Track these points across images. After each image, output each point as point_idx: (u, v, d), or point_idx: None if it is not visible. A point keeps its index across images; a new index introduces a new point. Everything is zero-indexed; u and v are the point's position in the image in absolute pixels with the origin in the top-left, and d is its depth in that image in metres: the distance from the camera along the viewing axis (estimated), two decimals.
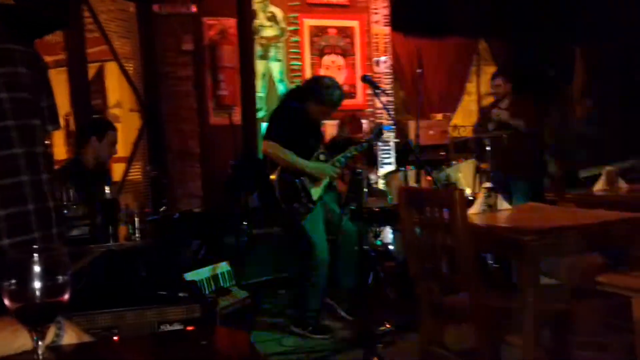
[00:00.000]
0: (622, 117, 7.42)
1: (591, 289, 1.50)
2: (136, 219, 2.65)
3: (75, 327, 1.15)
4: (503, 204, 2.94)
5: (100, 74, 6.87)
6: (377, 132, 4.16)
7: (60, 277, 0.85)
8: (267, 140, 3.69)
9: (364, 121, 6.29)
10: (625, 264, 2.70)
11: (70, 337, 1.09)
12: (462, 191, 2.41)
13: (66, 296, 0.86)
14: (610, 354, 3.01)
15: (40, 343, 0.86)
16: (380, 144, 5.34)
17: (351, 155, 3.94)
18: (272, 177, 3.67)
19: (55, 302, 0.85)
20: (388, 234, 5.72)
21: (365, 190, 4.18)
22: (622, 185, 3.91)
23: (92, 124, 3.79)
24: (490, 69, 7.85)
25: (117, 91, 6.89)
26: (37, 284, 0.83)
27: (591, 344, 3.24)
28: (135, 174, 5.51)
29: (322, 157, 3.87)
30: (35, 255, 0.84)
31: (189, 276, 3.36)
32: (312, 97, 3.78)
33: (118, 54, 5.25)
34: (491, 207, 2.89)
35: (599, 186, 3.89)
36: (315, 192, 3.76)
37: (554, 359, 2.68)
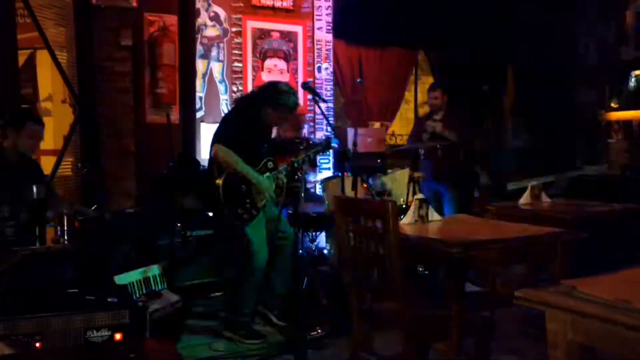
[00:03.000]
0: (549, 134, 7.83)
1: (512, 299, 1.58)
2: (65, 219, 2.56)
3: None
4: (434, 215, 3.04)
5: (30, 62, 6.59)
6: (325, 144, 4.15)
7: None
8: (218, 144, 3.63)
9: (303, 125, 6.33)
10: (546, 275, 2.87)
11: None
12: (394, 203, 2.48)
13: None
14: None
15: None
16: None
17: (297, 167, 3.93)
18: (218, 181, 3.63)
19: None
20: (323, 240, 5.78)
21: (302, 195, 4.20)
22: (545, 199, 4.13)
23: (10, 114, 3.57)
24: (428, 79, 8.08)
25: (48, 81, 6.62)
26: None
27: (511, 350, 3.41)
28: (66, 169, 5.32)
29: (270, 164, 3.86)
30: None
31: (120, 279, 3.30)
32: (268, 103, 3.76)
33: (50, 42, 5.04)
34: (422, 218, 2.99)
35: (524, 200, 4.09)
36: (260, 199, 3.75)
37: None
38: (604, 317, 1.35)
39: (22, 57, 5.50)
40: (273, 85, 3.86)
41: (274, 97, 3.75)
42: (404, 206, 4.57)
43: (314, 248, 5.67)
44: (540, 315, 1.54)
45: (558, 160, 7.62)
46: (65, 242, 2.42)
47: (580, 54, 7.34)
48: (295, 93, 3.86)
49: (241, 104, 3.89)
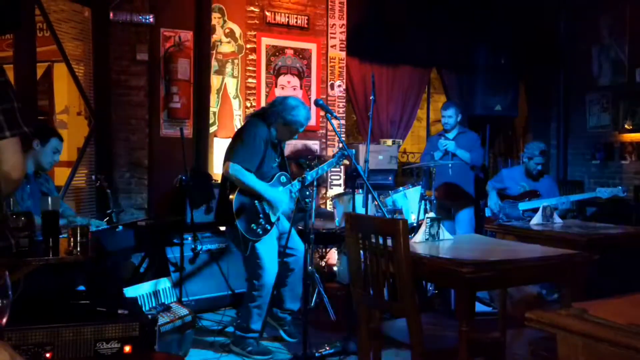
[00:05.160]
0: (561, 154, 7.80)
1: (523, 319, 1.57)
2: (78, 231, 2.58)
3: (9, 348, 1.13)
4: (445, 234, 3.04)
5: (48, 74, 6.70)
6: (340, 156, 4.16)
7: None
8: (230, 162, 3.66)
9: (315, 142, 6.36)
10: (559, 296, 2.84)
11: (3, 357, 1.07)
12: (405, 221, 2.48)
13: (4, 320, 0.86)
14: None
15: None
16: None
17: (309, 182, 3.94)
18: (231, 196, 3.65)
19: None
20: (334, 256, 5.77)
21: (313, 210, 4.21)
22: (557, 220, 4.11)
23: (35, 126, 3.66)
24: (440, 98, 8.11)
25: (65, 94, 6.72)
26: None
27: None
28: (80, 180, 5.37)
29: (282, 178, 3.88)
30: None
31: (130, 291, 3.31)
32: (278, 119, 3.78)
33: (68, 55, 5.13)
34: (433, 237, 2.99)
35: (535, 220, 4.07)
36: (274, 214, 3.77)
37: None
38: (616, 341, 1.34)
39: (39, 69, 5.59)
40: (283, 100, 3.87)
41: (283, 112, 3.77)
42: (414, 224, 4.56)
43: (323, 264, 5.67)
44: (551, 337, 1.53)
45: (570, 182, 7.59)
46: (78, 253, 2.44)
47: (594, 76, 7.32)
48: (305, 107, 3.87)
49: (252, 120, 3.90)
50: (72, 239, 2.47)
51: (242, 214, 3.65)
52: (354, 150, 4.72)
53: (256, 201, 3.69)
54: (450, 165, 5.18)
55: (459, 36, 7.09)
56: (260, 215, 3.70)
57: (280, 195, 3.77)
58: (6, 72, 1.86)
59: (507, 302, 3.29)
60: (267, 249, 3.73)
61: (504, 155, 8.47)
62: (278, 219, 3.83)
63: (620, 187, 4.58)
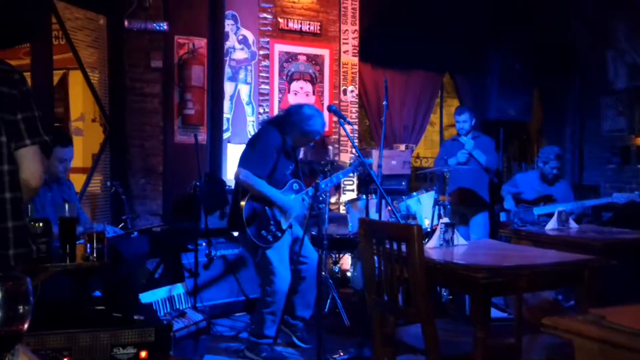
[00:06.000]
0: (577, 159, 7.74)
1: (539, 325, 1.56)
2: (94, 237, 2.60)
3: (29, 353, 1.15)
4: (459, 239, 3.02)
5: (63, 81, 6.78)
6: (357, 164, 4.15)
7: (21, 307, 0.86)
8: (241, 168, 3.67)
9: (328, 147, 6.37)
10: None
11: None
12: (419, 227, 2.47)
13: (26, 325, 0.87)
14: None
15: None
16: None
17: (324, 189, 3.94)
18: (242, 202, 3.66)
19: (14, 332, 0.85)
20: (347, 261, 5.77)
21: (326, 216, 4.21)
22: (573, 225, 4.07)
23: (53, 134, 3.64)
24: (453, 102, 8.09)
25: (80, 101, 6.80)
26: None
27: None
28: (95, 187, 5.43)
29: (295, 186, 3.88)
30: None
31: (145, 297, 3.33)
32: (294, 129, 3.76)
33: (83, 63, 5.20)
34: (448, 242, 2.97)
35: (551, 225, 4.04)
36: (285, 221, 3.77)
37: None
38: (634, 347, 1.33)
39: (55, 77, 5.67)
40: (299, 109, 3.84)
41: (301, 122, 3.75)
42: (428, 230, 4.54)
43: (337, 270, 5.66)
44: (567, 343, 1.52)
45: (586, 186, 7.52)
46: (94, 259, 2.47)
47: (609, 80, 7.27)
48: (321, 115, 3.86)
49: (266, 127, 3.90)
50: (88, 245, 2.50)
51: (253, 220, 3.66)
52: (371, 159, 4.71)
53: (267, 208, 3.70)
54: (464, 169, 5.15)
55: (472, 40, 7.07)
56: (271, 222, 3.70)
57: (291, 202, 3.77)
58: (27, 81, 1.90)
59: (523, 307, 3.27)
60: (278, 256, 3.72)
61: (518, 159, 8.43)
62: (290, 226, 3.83)
63: (637, 192, 4.53)
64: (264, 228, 3.68)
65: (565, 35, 7.59)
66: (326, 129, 6.38)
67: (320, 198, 4.00)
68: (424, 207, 4.92)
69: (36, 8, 4.59)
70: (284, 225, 3.75)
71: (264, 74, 6.11)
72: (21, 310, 0.86)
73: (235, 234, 4.13)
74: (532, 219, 4.70)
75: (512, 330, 3.11)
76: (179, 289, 3.73)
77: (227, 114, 5.90)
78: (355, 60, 6.54)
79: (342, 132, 6.36)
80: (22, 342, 1.12)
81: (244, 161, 3.71)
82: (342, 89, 6.49)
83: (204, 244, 4.53)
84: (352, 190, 6.45)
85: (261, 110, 6.07)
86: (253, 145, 3.78)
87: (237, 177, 3.69)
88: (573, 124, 7.77)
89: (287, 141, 3.78)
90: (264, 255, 3.69)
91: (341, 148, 6.52)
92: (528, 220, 4.58)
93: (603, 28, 7.27)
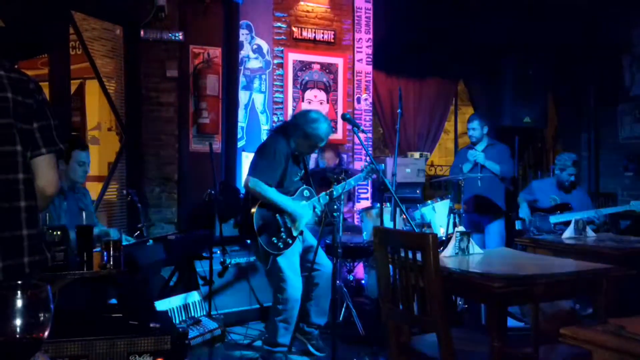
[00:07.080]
0: (593, 166, 7.66)
1: (557, 335, 1.54)
2: (111, 245, 2.63)
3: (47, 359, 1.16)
4: (475, 248, 3.00)
5: (80, 91, 6.86)
6: (368, 170, 4.14)
7: (41, 315, 0.87)
8: (251, 177, 3.68)
9: (342, 155, 6.37)
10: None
11: None
12: (435, 235, 2.46)
13: (46, 333, 0.88)
14: None
15: None
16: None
17: (336, 196, 3.94)
18: (252, 210, 3.67)
19: (35, 339, 0.86)
20: (361, 270, 5.75)
21: (341, 224, 4.21)
22: (590, 234, 4.03)
23: (68, 140, 3.67)
24: (468, 110, 8.06)
25: (96, 110, 6.88)
26: (18, 321, 0.85)
27: None
28: (111, 195, 5.48)
29: (306, 192, 3.89)
30: (18, 292, 0.86)
31: (160, 304, 3.35)
32: (297, 131, 3.78)
33: (100, 72, 5.27)
34: (463, 251, 2.96)
35: (567, 234, 4.00)
36: (296, 228, 3.77)
37: None
38: None
39: (72, 86, 5.74)
40: (305, 113, 3.86)
41: (304, 124, 3.76)
42: (443, 238, 4.52)
43: (351, 278, 5.64)
44: (585, 354, 1.50)
45: (603, 194, 7.44)
46: (111, 267, 2.49)
47: (626, 86, 7.20)
48: (327, 121, 3.84)
49: (273, 135, 3.92)
50: (105, 253, 2.52)
51: (263, 228, 3.66)
52: (382, 165, 4.70)
53: (277, 215, 3.70)
54: (479, 177, 5.13)
55: (486, 48, 7.05)
56: (282, 229, 3.70)
57: (301, 208, 3.77)
58: (43, 90, 1.92)
59: (540, 317, 3.24)
60: (289, 263, 3.72)
61: (533, 167, 8.36)
62: (301, 233, 3.82)
63: None
64: (275, 235, 3.68)
65: (580, 41, 7.53)
66: (340, 136, 6.41)
67: (335, 206, 3.99)
68: (438, 215, 4.89)
69: (55, 19, 4.67)
70: (295, 232, 3.75)
71: (278, 83, 6.14)
72: (42, 318, 0.87)
73: (249, 241, 4.14)
74: (549, 227, 4.66)
75: (528, 340, 3.07)
76: (194, 296, 3.75)
77: (241, 122, 5.94)
78: (369, 68, 6.55)
79: (356, 140, 6.36)
80: (41, 350, 1.14)
81: (252, 169, 3.73)
82: (356, 97, 6.50)
83: (218, 251, 4.55)
84: (367, 199, 6.43)
85: (275, 119, 6.09)
86: (261, 153, 3.79)
87: (246, 185, 3.70)
88: (589, 130, 7.70)
89: (291, 145, 3.79)
90: (274, 262, 3.69)
91: (355, 156, 6.52)
92: (544, 229, 4.54)
93: (619, 34, 7.22)
